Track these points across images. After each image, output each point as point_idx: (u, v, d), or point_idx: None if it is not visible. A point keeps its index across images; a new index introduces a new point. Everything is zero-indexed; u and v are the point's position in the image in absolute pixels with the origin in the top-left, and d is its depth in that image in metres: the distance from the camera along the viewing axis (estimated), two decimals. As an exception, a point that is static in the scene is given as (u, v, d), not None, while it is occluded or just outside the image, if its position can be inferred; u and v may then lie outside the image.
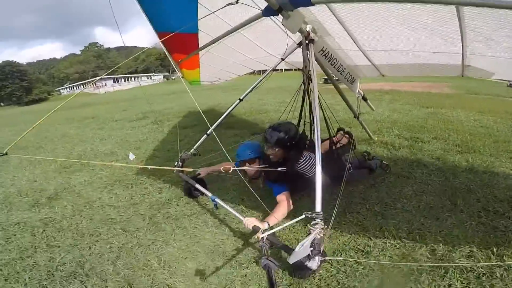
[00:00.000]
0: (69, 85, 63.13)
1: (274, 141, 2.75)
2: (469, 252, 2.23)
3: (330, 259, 2.15)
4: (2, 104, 53.30)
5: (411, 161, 4.13)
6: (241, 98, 3.50)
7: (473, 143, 4.75)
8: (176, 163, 3.44)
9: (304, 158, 2.77)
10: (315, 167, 2.65)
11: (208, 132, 3.45)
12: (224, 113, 3.49)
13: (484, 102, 10.26)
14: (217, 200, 2.72)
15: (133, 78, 55.05)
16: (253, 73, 7.54)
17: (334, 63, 3.49)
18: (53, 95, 57.75)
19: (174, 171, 3.40)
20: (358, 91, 4.28)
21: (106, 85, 50.00)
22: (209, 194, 2.85)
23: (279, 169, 2.60)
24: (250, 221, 2.23)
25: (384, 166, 3.69)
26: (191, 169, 2.81)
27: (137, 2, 2.89)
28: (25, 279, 2.32)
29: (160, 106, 13.36)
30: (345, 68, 3.75)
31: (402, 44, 2.95)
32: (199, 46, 3.99)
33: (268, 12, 2.61)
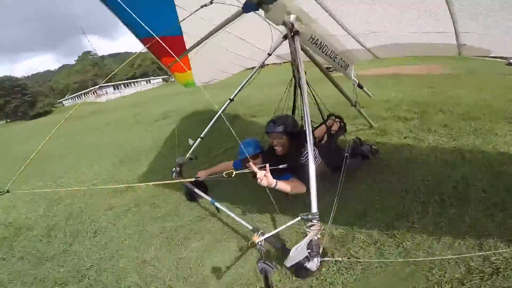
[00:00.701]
0: (71, 96, 63.01)
1: (282, 130, 2.71)
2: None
3: (330, 260, 2.10)
4: (8, 120, 53.93)
5: (423, 129, 4.72)
6: (231, 98, 3.45)
7: (474, 113, 5.21)
8: (174, 169, 3.41)
9: (307, 150, 2.73)
10: (318, 159, 2.69)
11: (202, 135, 3.42)
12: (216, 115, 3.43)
13: (483, 80, 10.19)
14: (217, 204, 2.74)
15: (132, 84, 55.11)
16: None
17: (326, 50, 3.37)
18: (56, 107, 58.16)
19: (173, 176, 3.37)
20: (353, 78, 4.14)
21: (107, 93, 49.81)
22: (209, 199, 2.86)
23: (280, 166, 2.55)
24: (263, 174, 2.20)
25: (374, 151, 3.60)
26: (188, 179, 2.79)
27: (113, 13, 2.82)
28: None
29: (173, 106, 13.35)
30: (337, 55, 3.62)
31: (391, 26, 2.84)
32: (186, 48, 3.92)
33: (248, 7, 2.52)
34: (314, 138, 3.14)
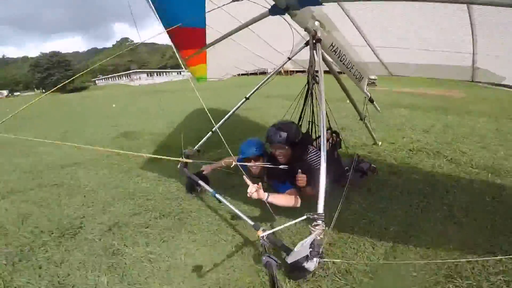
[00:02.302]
0: (105, 77, 68.33)
1: (284, 140, 2.70)
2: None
3: (328, 261, 2.15)
4: (44, 91, 56.06)
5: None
6: (247, 96, 3.50)
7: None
8: (181, 158, 3.43)
9: (312, 150, 2.82)
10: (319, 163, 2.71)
11: (213, 130, 3.46)
12: (230, 111, 3.48)
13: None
14: (218, 196, 2.75)
15: (164, 73, 58.04)
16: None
17: (344, 59, 3.44)
18: (90, 85, 61.26)
19: (178, 166, 3.41)
20: (366, 91, 4.22)
21: (140, 78, 53.85)
22: (210, 190, 2.87)
23: (281, 166, 2.59)
24: (253, 188, 2.26)
25: (373, 169, 3.62)
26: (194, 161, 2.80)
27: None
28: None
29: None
30: (353, 65, 3.69)
31: (411, 41, 2.90)
32: (206, 42, 3.97)
33: (275, 11, 2.58)
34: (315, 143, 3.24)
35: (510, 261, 2.14)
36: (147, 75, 55.56)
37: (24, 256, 2.56)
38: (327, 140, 3.31)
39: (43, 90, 57.14)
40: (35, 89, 61.29)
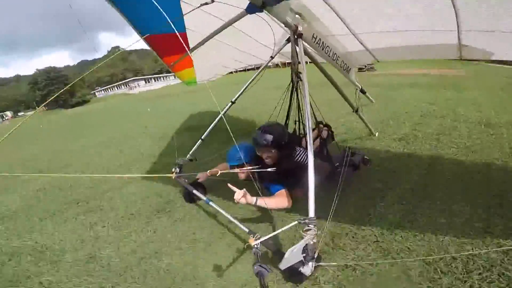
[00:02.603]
0: (103, 88, 68.50)
1: (269, 143, 2.65)
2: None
3: (325, 265, 2.11)
4: (46, 108, 55.20)
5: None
6: (232, 100, 3.44)
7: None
8: (174, 169, 3.39)
9: (299, 150, 2.77)
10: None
11: (202, 137, 3.43)
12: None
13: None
14: (212, 203, 2.78)
15: (162, 78, 57.67)
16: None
17: (328, 50, 3.34)
18: (91, 97, 61.73)
19: (173, 177, 3.33)
20: (356, 83, 4.13)
21: (139, 85, 54.14)
22: (204, 198, 2.89)
23: (269, 169, 2.54)
24: (239, 194, 2.27)
25: (366, 161, 3.55)
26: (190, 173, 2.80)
27: (115, 8, 2.80)
28: None
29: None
30: (339, 56, 3.60)
31: (393, 22, 2.82)
32: (190, 45, 3.89)
33: (252, 9, 2.50)
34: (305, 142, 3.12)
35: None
36: (145, 82, 55.83)
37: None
38: (317, 136, 3.25)
39: (46, 108, 56.38)
40: (36, 108, 60.59)
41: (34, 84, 58.03)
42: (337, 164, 3.00)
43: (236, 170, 2.72)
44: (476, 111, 6.20)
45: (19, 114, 65.19)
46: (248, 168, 2.64)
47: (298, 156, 2.73)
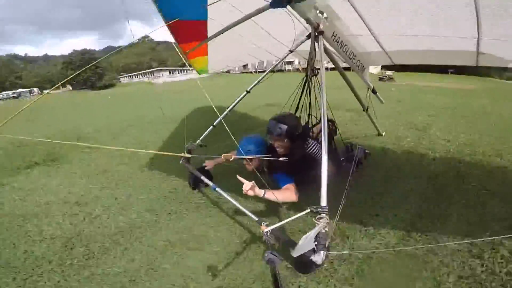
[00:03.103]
0: (128, 75, 72.80)
1: (284, 133, 2.69)
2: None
3: (336, 253, 2.16)
4: (70, 88, 58.89)
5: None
6: (248, 90, 3.48)
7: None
8: (183, 153, 3.41)
9: (312, 142, 2.82)
10: (319, 154, 2.65)
11: (214, 124, 3.46)
12: (230, 105, 3.47)
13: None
14: (218, 189, 2.75)
15: (185, 71, 58.41)
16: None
17: (346, 49, 3.39)
18: (116, 81, 64.72)
19: (181, 161, 3.38)
20: (368, 82, 4.17)
21: (163, 75, 56.24)
22: (211, 184, 2.89)
23: (281, 159, 2.55)
24: (249, 186, 2.28)
25: (366, 154, 3.63)
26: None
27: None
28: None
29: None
30: (355, 55, 3.65)
31: (414, 27, 2.87)
32: (208, 34, 3.91)
33: (276, 4, 2.53)
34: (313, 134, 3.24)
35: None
36: (169, 73, 57.67)
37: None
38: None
39: (71, 88, 59.81)
40: (67, 86, 63.14)
41: (69, 64, 60.93)
42: (343, 158, 3.07)
43: (250, 156, 2.73)
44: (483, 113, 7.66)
45: (44, 91, 66.21)
46: (260, 156, 2.69)
47: (311, 147, 2.78)
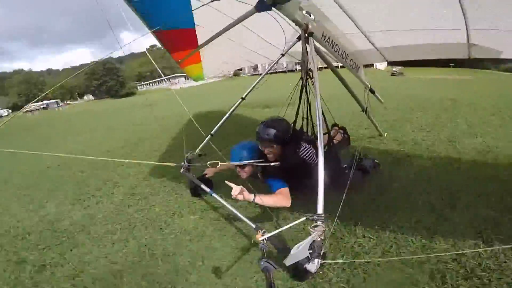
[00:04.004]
0: (145, 83, 76.39)
1: (272, 138, 2.62)
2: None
3: (330, 262, 2.11)
4: (92, 98, 63.14)
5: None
6: (243, 97, 3.46)
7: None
8: (183, 163, 3.38)
9: (304, 147, 2.72)
10: (315, 159, 2.62)
11: (212, 133, 3.45)
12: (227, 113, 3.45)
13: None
14: (214, 194, 2.80)
15: None
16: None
17: (337, 49, 3.36)
18: (135, 90, 67.80)
19: (181, 170, 3.37)
20: (365, 82, 4.10)
21: (179, 82, 57.95)
22: (208, 190, 2.91)
23: (272, 163, 2.52)
24: (237, 191, 2.24)
25: (375, 164, 3.46)
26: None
27: (126, 2, 2.80)
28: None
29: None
30: (347, 55, 3.60)
31: (402, 22, 2.84)
32: (198, 41, 3.91)
33: (261, 7, 2.52)
34: (312, 140, 3.04)
35: None
36: (185, 79, 58.67)
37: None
38: (333, 137, 3.20)
39: (93, 97, 64.17)
40: (85, 96, 68.83)
41: (91, 74, 64.72)
42: (345, 165, 2.96)
43: (242, 162, 2.69)
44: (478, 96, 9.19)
45: (68, 101, 71.11)
46: (251, 162, 2.64)
47: (303, 152, 2.68)
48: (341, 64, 3.71)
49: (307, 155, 2.68)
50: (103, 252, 2.70)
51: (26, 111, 44.79)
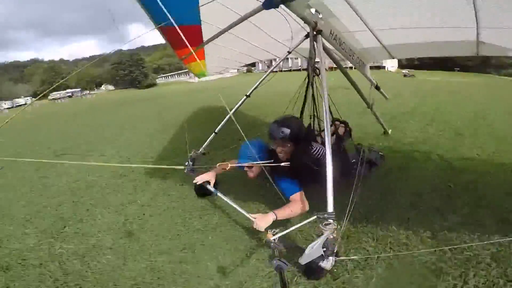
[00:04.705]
0: (164, 75, 77.79)
1: (286, 136, 2.57)
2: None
3: (344, 259, 2.12)
4: (113, 88, 64.37)
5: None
6: (247, 94, 3.43)
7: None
8: (187, 162, 3.36)
9: (317, 146, 2.71)
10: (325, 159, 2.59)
11: (216, 131, 3.44)
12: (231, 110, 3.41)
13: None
14: (219, 194, 2.77)
15: None
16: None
17: (344, 46, 3.33)
18: (155, 81, 69.11)
19: (185, 171, 3.32)
20: (371, 78, 4.09)
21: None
22: (212, 189, 2.89)
23: (282, 164, 2.42)
24: (259, 220, 2.21)
25: (381, 157, 3.48)
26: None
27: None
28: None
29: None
30: (354, 53, 3.58)
31: (412, 20, 2.82)
32: (204, 38, 3.87)
33: (269, 5, 2.48)
34: (321, 138, 3.05)
35: None
36: None
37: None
38: (333, 133, 3.20)
39: (113, 87, 65.77)
40: (103, 86, 69.18)
41: (118, 64, 65.84)
42: (354, 160, 2.96)
43: (250, 163, 2.61)
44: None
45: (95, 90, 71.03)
46: (261, 162, 2.52)
47: (316, 151, 2.66)
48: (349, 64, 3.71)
49: (320, 154, 2.65)
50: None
51: (53, 99, 47.35)
